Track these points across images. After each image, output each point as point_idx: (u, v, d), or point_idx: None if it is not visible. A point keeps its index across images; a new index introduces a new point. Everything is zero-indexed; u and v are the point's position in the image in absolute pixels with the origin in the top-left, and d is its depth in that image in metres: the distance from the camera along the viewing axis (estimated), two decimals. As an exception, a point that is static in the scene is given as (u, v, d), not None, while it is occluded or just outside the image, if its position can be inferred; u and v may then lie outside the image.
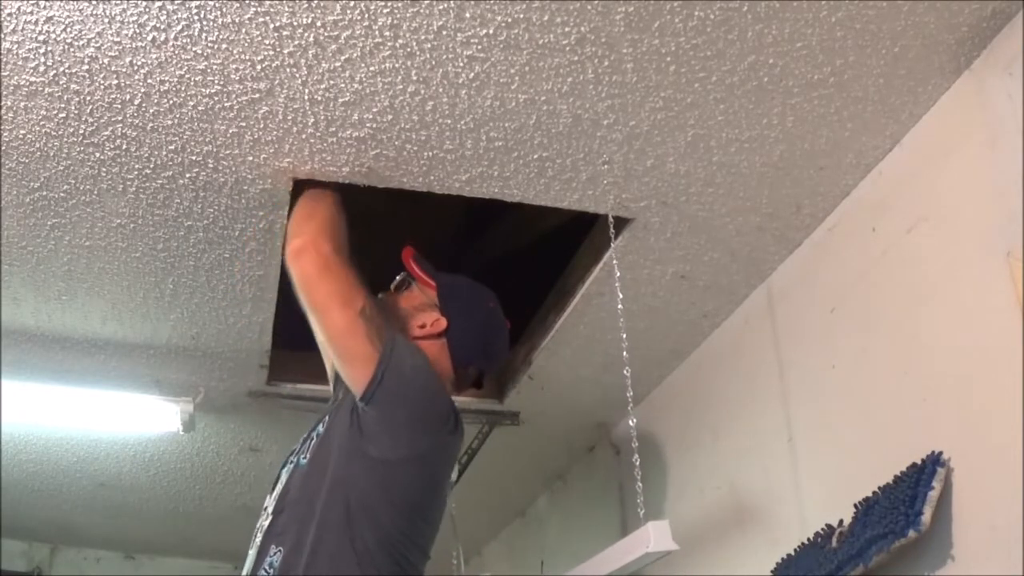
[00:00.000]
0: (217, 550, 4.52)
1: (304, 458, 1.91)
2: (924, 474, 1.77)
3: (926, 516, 1.72)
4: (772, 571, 2.23)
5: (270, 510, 1.89)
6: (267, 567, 1.79)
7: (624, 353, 2.10)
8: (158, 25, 1.67)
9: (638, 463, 2.04)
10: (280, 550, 1.79)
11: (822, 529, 2.06)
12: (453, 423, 1.89)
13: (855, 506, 1.95)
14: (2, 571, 4.50)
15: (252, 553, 1.87)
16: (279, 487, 1.92)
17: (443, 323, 1.99)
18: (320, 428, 1.95)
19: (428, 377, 1.88)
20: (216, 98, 1.83)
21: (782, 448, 2.34)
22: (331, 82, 1.80)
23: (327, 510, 1.79)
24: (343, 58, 1.74)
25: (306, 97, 1.83)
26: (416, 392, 1.86)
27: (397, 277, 2.13)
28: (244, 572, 1.88)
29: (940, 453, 1.78)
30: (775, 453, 2.37)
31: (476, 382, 2.10)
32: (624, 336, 2.12)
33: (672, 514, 2.79)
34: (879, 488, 1.89)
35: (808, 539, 2.10)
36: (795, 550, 2.15)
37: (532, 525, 4.01)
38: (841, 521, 2.00)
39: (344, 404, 1.92)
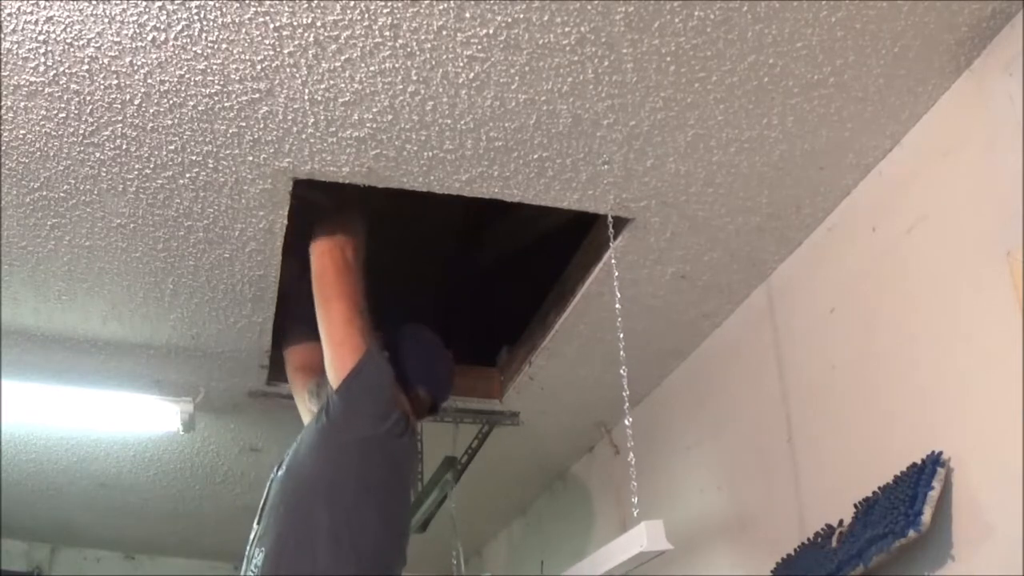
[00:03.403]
0: (217, 550, 4.51)
1: (281, 470, 2.15)
2: (924, 474, 1.77)
3: (926, 516, 1.72)
4: (772, 571, 2.23)
5: (255, 522, 2.11)
6: (252, 568, 2.00)
7: (621, 353, 2.10)
8: (158, 25, 1.67)
9: (633, 463, 2.06)
10: (262, 550, 2.00)
11: (822, 529, 2.07)
12: (403, 426, 2.11)
13: (855, 506, 1.95)
14: (2, 571, 4.50)
15: (244, 565, 2.06)
16: (262, 500, 2.14)
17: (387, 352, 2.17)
18: (295, 444, 2.20)
19: (391, 383, 2.13)
20: (216, 98, 1.83)
21: (782, 448, 2.34)
22: (331, 82, 1.80)
23: (299, 503, 2.04)
24: (343, 58, 1.74)
25: (306, 97, 1.83)
26: (385, 386, 2.10)
27: None
28: None
29: (940, 453, 1.78)
30: (775, 453, 2.37)
31: (432, 408, 2.32)
32: (621, 336, 2.12)
33: (672, 514, 2.79)
34: (879, 488, 1.89)
35: (808, 539, 2.10)
36: (795, 550, 2.15)
37: (532, 525, 4.01)
38: (841, 521, 2.00)
39: (313, 418, 2.18)
